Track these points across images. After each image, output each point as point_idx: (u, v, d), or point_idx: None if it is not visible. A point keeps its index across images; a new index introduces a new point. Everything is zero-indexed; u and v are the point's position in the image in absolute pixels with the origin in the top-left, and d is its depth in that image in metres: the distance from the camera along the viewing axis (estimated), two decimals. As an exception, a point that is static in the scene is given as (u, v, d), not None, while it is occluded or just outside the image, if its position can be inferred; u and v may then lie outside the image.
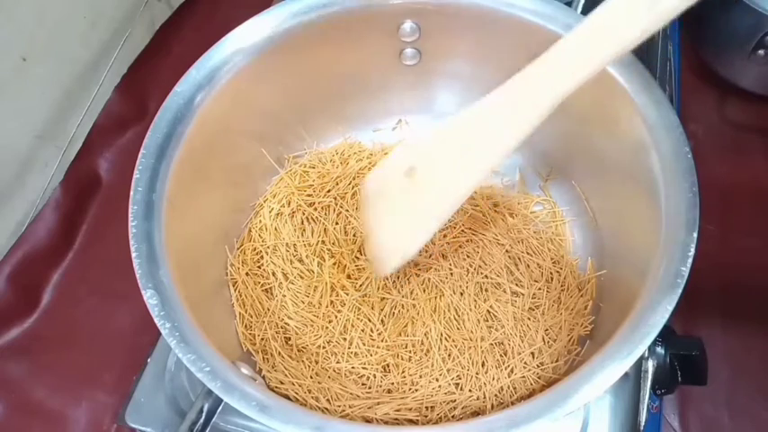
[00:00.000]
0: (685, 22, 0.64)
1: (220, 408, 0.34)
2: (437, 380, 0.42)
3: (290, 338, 0.44)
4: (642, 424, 0.42)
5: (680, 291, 0.33)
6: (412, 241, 0.39)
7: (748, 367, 0.50)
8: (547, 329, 0.44)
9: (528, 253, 0.47)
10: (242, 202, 0.50)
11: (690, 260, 0.34)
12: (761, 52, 0.56)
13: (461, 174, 0.36)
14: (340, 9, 0.44)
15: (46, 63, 0.56)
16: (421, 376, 0.42)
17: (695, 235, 0.34)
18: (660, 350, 0.41)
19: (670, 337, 0.42)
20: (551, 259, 0.46)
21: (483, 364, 0.42)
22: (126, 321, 0.53)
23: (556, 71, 0.33)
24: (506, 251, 0.47)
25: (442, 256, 0.46)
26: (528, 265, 0.46)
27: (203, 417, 0.33)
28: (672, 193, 0.36)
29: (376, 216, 0.41)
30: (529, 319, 0.44)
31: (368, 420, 0.40)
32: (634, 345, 0.32)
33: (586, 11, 0.43)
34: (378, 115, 0.54)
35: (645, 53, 0.55)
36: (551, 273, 0.46)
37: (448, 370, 0.42)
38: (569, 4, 0.44)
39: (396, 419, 0.40)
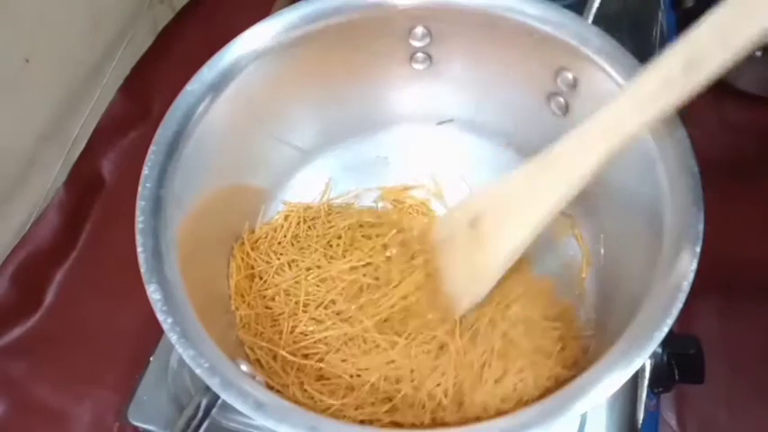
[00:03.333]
0: (683, 22, 0.64)
1: (218, 404, 0.34)
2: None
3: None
4: (640, 422, 0.42)
5: (680, 305, 0.33)
6: (479, 287, 0.41)
7: (746, 365, 0.50)
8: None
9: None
10: (251, 202, 0.50)
11: (692, 274, 0.33)
12: (758, 53, 0.56)
13: (519, 225, 0.38)
14: (351, 12, 0.44)
15: (49, 64, 0.56)
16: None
17: (698, 249, 0.34)
18: (657, 349, 0.42)
19: (667, 335, 0.42)
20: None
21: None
22: (129, 320, 0.54)
23: (606, 130, 0.34)
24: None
25: None
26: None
27: (200, 412, 0.33)
28: (677, 206, 0.36)
29: (447, 260, 0.44)
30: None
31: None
32: (632, 357, 0.32)
33: (597, 21, 0.44)
34: (387, 118, 0.54)
35: (642, 53, 0.55)
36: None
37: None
38: (580, 14, 0.44)
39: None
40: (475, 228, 0.41)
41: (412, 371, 0.42)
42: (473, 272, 0.42)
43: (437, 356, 0.43)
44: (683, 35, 0.31)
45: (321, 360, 0.43)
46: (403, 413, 0.41)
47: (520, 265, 0.47)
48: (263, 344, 0.43)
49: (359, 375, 0.42)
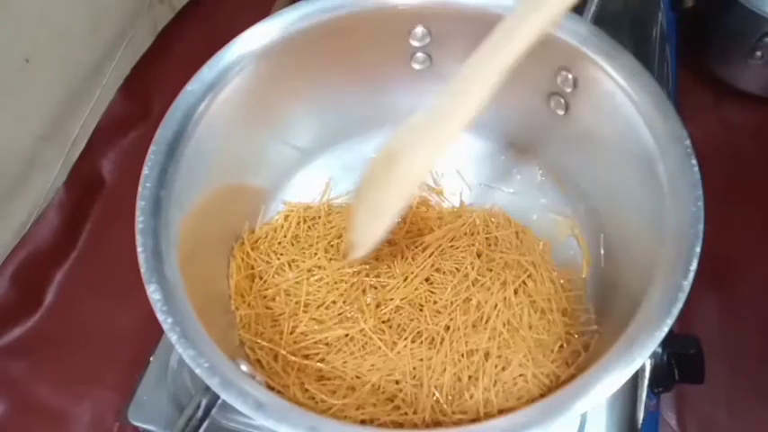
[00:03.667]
0: (683, 22, 0.64)
1: (218, 404, 0.34)
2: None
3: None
4: (640, 422, 0.42)
5: (680, 305, 0.33)
6: (379, 222, 0.41)
7: (745, 365, 0.50)
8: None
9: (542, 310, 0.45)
10: (251, 202, 0.50)
11: (692, 274, 0.34)
12: (758, 54, 0.56)
13: (420, 156, 0.39)
14: (351, 12, 0.44)
15: (49, 64, 0.56)
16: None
17: (698, 249, 0.34)
18: (657, 349, 0.42)
19: (667, 335, 0.42)
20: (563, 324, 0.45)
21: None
22: (129, 320, 0.54)
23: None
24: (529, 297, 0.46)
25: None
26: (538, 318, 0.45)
27: (200, 412, 0.33)
28: (677, 206, 0.36)
29: (358, 199, 0.44)
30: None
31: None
32: (632, 357, 0.32)
33: (597, 21, 0.44)
34: (387, 117, 0.54)
35: (642, 53, 0.55)
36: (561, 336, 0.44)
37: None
38: (580, 14, 0.44)
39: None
40: (387, 161, 0.41)
41: (414, 368, 0.42)
42: (374, 206, 0.42)
43: (438, 351, 0.43)
44: None
45: (322, 360, 0.43)
46: (404, 412, 0.41)
47: (543, 248, 0.48)
48: (264, 343, 0.43)
49: (359, 377, 0.42)
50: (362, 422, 0.40)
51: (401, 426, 0.40)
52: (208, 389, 0.33)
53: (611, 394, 0.32)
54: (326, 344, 0.44)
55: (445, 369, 0.42)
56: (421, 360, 0.42)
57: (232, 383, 0.32)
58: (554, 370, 0.42)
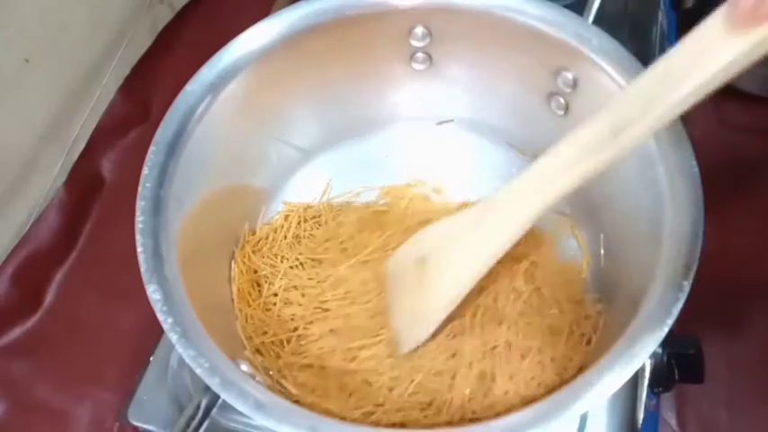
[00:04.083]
0: (683, 23, 0.64)
1: (218, 404, 0.34)
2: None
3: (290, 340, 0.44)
4: (640, 422, 0.43)
5: (680, 305, 0.33)
6: (422, 328, 0.41)
7: (745, 365, 0.50)
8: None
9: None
10: (251, 202, 0.50)
11: (692, 274, 0.34)
12: (758, 53, 0.56)
13: (459, 271, 0.39)
14: (351, 12, 0.44)
15: (49, 64, 0.56)
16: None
17: (698, 249, 0.34)
18: (657, 349, 0.42)
19: (667, 335, 0.42)
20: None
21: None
22: (129, 320, 0.54)
23: (540, 184, 0.36)
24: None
25: None
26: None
27: (200, 412, 0.33)
28: (677, 206, 0.36)
29: (394, 298, 0.44)
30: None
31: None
32: (632, 357, 0.32)
33: (597, 21, 0.44)
34: (387, 117, 0.54)
35: (642, 53, 0.55)
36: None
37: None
38: (580, 14, 0.44)
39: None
40: (421, 267, 0.41)
41: (443, 365, 0.42)
42: (414, 314, 0.41)
43: (462, 347, 0.42)
44: (614, 98, 0.33)
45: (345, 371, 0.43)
46: (433, 413, 0.40)
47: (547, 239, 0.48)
48: (269, 339, 0.43)
49: (391, 389, 0.41)
50: (394, 425, 0.40)
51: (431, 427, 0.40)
52: (208, 389, 0.33)
53: (612, 394, 0.32)
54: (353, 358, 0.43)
55: (471, 364, 0.42)
56: (447, 357, 0.42)
57: (232, 383, 0.32)
58: (568, 352, 0.41)
